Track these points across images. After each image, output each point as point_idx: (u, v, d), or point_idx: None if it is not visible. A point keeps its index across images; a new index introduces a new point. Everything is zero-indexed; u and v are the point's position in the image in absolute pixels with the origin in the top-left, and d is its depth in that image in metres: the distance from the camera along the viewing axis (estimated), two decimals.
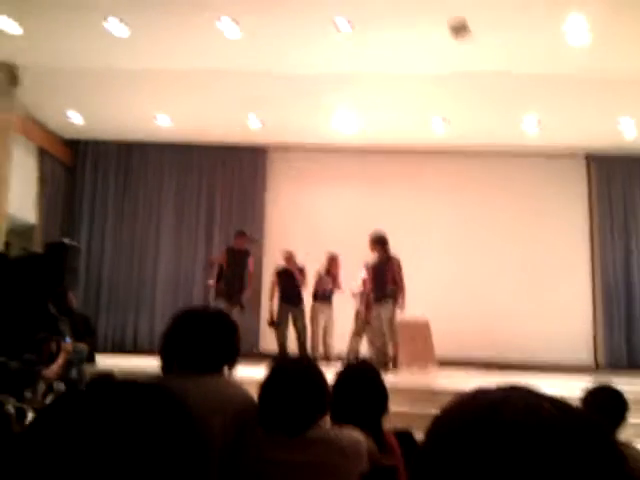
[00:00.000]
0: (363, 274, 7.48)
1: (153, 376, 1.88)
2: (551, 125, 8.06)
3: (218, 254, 6.91)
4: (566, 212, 9.13)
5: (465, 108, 7.75)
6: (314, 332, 7.68)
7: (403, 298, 7.03)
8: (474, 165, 9.12)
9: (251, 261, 7.47)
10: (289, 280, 7.66)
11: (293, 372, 1.80)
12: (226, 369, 1.91)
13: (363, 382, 2.22)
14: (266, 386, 1.78)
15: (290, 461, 1.72)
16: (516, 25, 5.80)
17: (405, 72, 6.89)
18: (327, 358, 7.31)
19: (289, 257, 7.72)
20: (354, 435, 1.85)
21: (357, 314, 7.70)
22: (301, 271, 7.70)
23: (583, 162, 9.24)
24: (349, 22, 5.86)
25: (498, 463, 0.54)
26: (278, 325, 7.59)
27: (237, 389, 1.85)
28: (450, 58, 6.47)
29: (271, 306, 7.67)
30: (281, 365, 1.86)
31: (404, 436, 2.32)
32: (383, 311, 7.05)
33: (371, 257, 7.24)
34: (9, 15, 5.87)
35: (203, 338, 1.88)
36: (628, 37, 5.89)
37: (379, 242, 7.16)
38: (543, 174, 9.15)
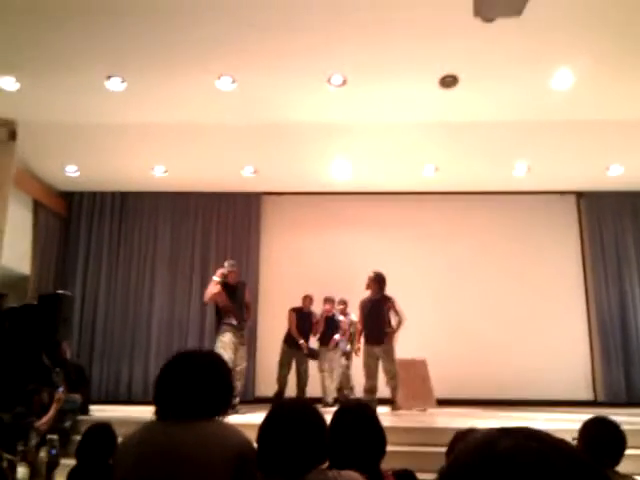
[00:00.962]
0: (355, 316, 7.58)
1: (148, 423, 1.87)
2: (540, 169, 8.25)
3: (213, 292, 6.81)
4: (559, 249, 9.19)
5: (455, 155, 7.93)
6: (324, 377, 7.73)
7: (398, 328, 7.06)
8: (466, 206, 9.23)
9: (247, 291, 7.40)
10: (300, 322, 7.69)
11: (292, 415, 1.78)
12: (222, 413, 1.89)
13: (360, 424, 2.21)
14: (265, 429, 1.76)
15: None
16: (503, 75, 6.01)
17: (396, 121, 7.05)
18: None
19: (309, 300, 7.82)
20: (353, 477, 1.83)
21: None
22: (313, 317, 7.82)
23: (573, 200, 9.36)
24: (342, 75, 6.03)
25: None
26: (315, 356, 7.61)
27: (235, 433, 1.83)
28: (439, 108, 6.66)
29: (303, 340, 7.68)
30: (280, 407, 1.85)
31: (405, 476, 2.29)
32: (383, 352, 7.03)
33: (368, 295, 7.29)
34: (7, 72, 6.00)
35: (197, 382, 1.87)
36: (611, 85, 6.12)
37: (377, 280, 7.20)
38: (535, 213, 9.26)
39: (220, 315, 6.86)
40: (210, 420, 1.83)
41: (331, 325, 7.83)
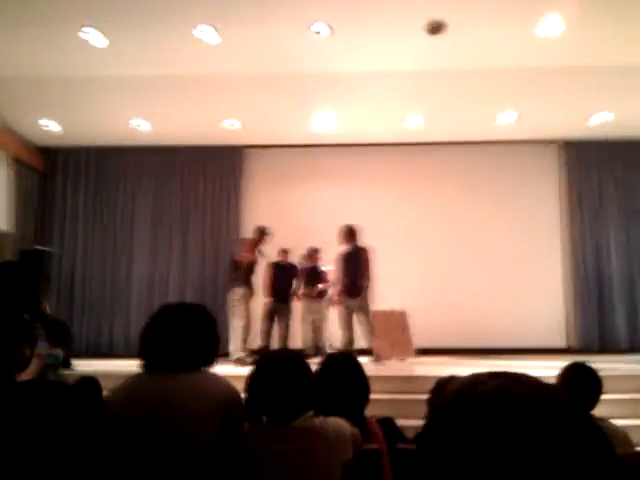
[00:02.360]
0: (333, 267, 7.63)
1: (135, 375, 1.88)
2: (526, 117, 8.18)
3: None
4: (540, 198, 9.26)
5: (441, 104, 7.83)
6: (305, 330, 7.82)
7: (367, 287, 7.15)
8: (450, 156, 9.20)
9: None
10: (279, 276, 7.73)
11: (279, 364, 1.81)
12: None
13: (345, 372, 2.25)
14: (253, 378, 1.79)
15: (276, 451, 1.74)
16: (490, 22, 5.91)
17: (381, 70, 6.94)
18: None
19: (286, 253, 7.87)
20: (339, 423, 1.87)
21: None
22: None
23: (556, 149, 9.38)
24: (327, 23, 5.90)
25: (485, 441, 0.63)
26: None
27: (221, 382, 1.85)
28: (426, 56, 6.56)
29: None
30: (267, 357, 1.87)
31: (385, 422, 2.36)
32: (358, 304, 7.12)
33: (342, 249, 7.37)
34: None
35: (182, 334, 1.87)
36: (598, 30, 6.04)
37: (347, 233, 7.29)
38: (517, 160, 9.26)
39: None
40: (196, 371, 1.84)
41: (312, 276, 7.89)
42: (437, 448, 0.68)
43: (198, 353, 1.88)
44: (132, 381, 1.85)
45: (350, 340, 7.19)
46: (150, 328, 1.91)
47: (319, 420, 1.85)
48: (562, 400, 0.67)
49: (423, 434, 0.71)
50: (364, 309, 7.19)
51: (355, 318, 7.28)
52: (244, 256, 7.41)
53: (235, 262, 7.47)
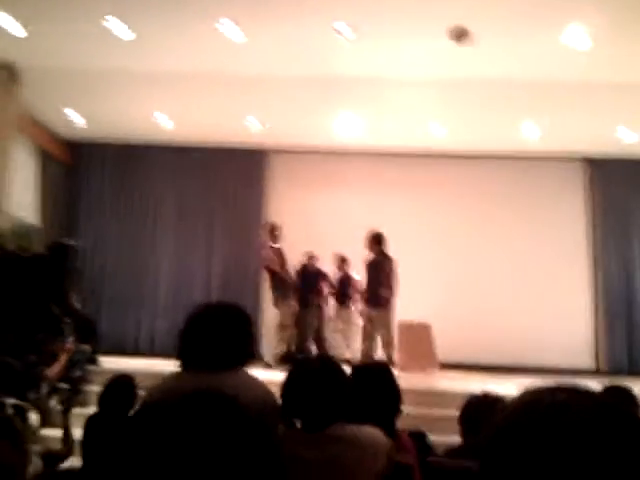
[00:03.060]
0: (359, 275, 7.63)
1: (174, 373, 1.88)
2: (550, 130, 8.08)
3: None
4: (566, 215, 9.15)
5: (465, 114, 7.76)
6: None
7: (390, 298, 7.06)
8: (475, 168, 9.14)
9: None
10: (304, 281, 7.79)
11: (318, 369, 1.81)
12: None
13: (378, 382, 2.24)
14: (290, 381, 1.79)
15: (310, 458, 1.73)
16: (516, 32, 5.84)
17: (406, 77, 6.89)
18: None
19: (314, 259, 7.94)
20: (373, 433, 1.86)
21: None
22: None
23: (582, 165, 9.27)
24: (352, 27, 5.86)
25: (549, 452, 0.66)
26: None
27: (258, 385, 1.85)
28: (451, 64, 6.50)
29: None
30: (304, 363, 1.87)
31: (417, 436, 2.33)
32: (378, 315, 7.08)
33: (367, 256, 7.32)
34: (11, 14, 5.84)
35: (222, 333, 1.88)
36: (626, 45, 5.93)
37: (374, 240, 7.21)
38: (543, 177, 9.18)
39: None
40: (234, 370, 1.85)
41: (346, 284, 7.91)
42: (505, 463, 0.68)
43: (237, 353, 1.89)
44: (171, 380, 1.86)
45: (368, 350, 7.12)
46: (192, 327, 1.92)
47: (353, 428, 1.83)
48: (625, 413, 0.70)
49: (487, 450, 0.72)
50: (384, 321, 7.10)
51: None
52: (272, 261, 7.47)
53: (268, 269, 7.55)
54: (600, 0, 5.28)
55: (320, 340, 7.73)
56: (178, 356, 1.89)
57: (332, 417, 1.76)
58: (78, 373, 5.43)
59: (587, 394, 0.73)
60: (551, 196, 9.15)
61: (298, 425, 1.79)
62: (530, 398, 0.74)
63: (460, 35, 5.86)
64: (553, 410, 0.69)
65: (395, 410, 2.26)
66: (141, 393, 3.20)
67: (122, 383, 3.19)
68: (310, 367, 1.83)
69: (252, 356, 1.97)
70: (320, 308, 7.84)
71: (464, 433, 2.45)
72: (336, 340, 7.88)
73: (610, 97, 7.05)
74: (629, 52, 6.06)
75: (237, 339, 1.89)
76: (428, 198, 9.18)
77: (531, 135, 8.19)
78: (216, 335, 1.85)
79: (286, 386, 1.79)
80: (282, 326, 7.56)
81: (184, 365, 1.88)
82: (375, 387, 2.21)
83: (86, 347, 5.83)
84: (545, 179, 9.18)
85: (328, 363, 1.87)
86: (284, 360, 7.17)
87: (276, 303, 7.58)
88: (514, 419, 0.72)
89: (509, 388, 5.66)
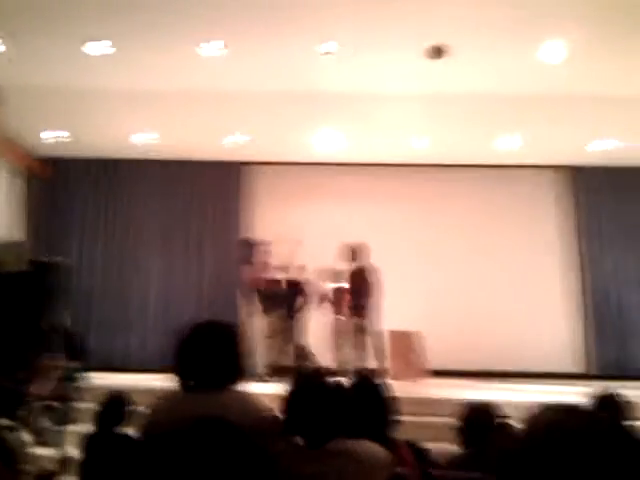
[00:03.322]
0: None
1: (169, 394, 1.89)
2: (530, 141, 8.21)
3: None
4: (552, 221, 9.28)
5: (445, 127, 7.88)
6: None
7: (368, 307, 7.21)
8: (455, 178, 9.22)
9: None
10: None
11: (321, 386, 1.82)
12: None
13: (374, 394, 2.25)
14: (292, 400, 1.79)
15: (311, 473, 1.74)
16: (495, 47, 5.96)
17: (387, 93, 6.99)
18: None
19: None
20: (372, 447, 1.87)
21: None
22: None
23: (565, 174, 9.42)
24: (333, 43, 5.94)
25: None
26: None
27: (252, 403, 1.86)
28: (432, 79, 6.62)
29: None
30: (308, 377, 1.88)
31: (416, 447, 2.35)
32: (359, 324, 7.19)
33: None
34: None
35: (216, 352, 1.89)
36: (604, 59, 6.09)
37: (349, 252, 7.44)
38: (525, 185, 9.32)
39: None
40: (227, 388, 1.85)
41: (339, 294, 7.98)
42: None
43: (229, 370, 1.90)
44: (170, 402, 1.86)
45: (358, 360, 7.18)
46: (184, 347, 1.92)
47: (353, 443, 1.84)
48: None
49: (514, 468, 0.77)
50: (365, 329, 7.20)
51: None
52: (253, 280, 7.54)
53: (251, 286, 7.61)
54: (578, 15, 5.39)
55: (300, 349, 7.76)
56: (175, 374, 1.89)
57: (333, 432, 1.77)
58: (68, 390, 5.38)
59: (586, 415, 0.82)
60: (534, 204, 9.29)
61: (298, 440, 1.80)
62: (543, 425, 0.80)
63: (436, 53, 5.99)
64: (572, 436, 0.77)
65: (392, 421, 2.27)
66: (134, 409, 3.19)
67: (117, 401, 3.18)
68: (312, 384, 1.84)
69: (244, 373, 1.97)
70: (302, 318, 7.86)
71: (465, 443, 2.47)
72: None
73: (588, 109, 7.21)
74: (606, 66, 6.23)
75: (228, 357, 1.90)
76: (412, 208, 9.24)
77: (511, 146, 8.30)
78: (208, 354, 1.86)
79: (288, 404, 1.80)
80: (269, 336, 7.61)
81: (180, 383, 1.88)
82: (371, 399, 2.22)
83: (76, 364, 5.78)
84: (528, 187, 9.32)
85: (326, 379, 1.88)
86: (275, 371, 7.21)
87: (263, 313, 7.64)
88: (539, 443, 0.78)
89: (503, 395, 5.70)
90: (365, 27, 5.66)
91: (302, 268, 7.95)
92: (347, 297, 7.58)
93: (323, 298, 7.96)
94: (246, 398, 1.89)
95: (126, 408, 3.17)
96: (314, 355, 7.75)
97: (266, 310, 7.63)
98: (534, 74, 6.41)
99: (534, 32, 5.67)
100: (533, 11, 5.30)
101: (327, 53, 6.03)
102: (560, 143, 8.37)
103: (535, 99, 7.03)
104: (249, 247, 7.82)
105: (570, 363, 8.76)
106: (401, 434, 2.68)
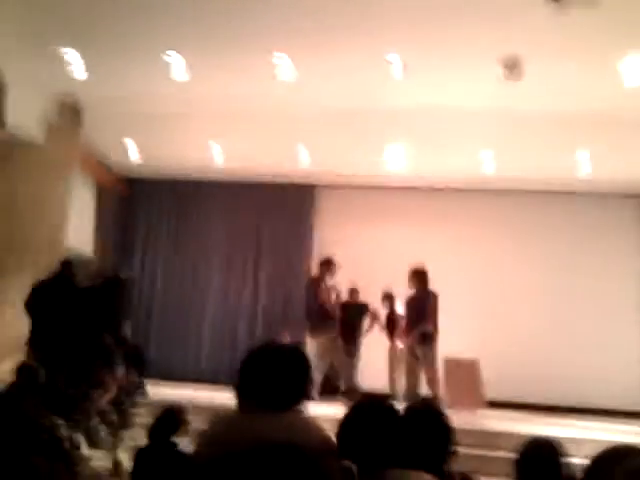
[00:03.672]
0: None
1: (229, 412, 1.92)
2: (603, 164, 7.90)
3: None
4: (617, 251, 8.90)
5: (515, 145, 7.67)
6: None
7: (434, 334, 7.04)
8: (523, 203, 9.02)
9: None
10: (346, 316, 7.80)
11: (374, 413, 1.81)
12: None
13: (431, 423, 2.20)
14: (346, 426, 1.79)
15: None
16: (568, 64, 5.82)
17: (457, 109, 6.92)
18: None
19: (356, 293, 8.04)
20: (425, 478, 1.83)
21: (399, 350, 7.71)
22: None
23: (636, 201, 9.05)
24: (402, 59, 5.93)
25: None
26: None
27: (314, 426, 1.86)
28: (501, 96, 6.50)
29: None
30: (362, 406, 1.87)
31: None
32: (423, 351, 7.02)
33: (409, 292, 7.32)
34: (77, 52, 6.18)
35: (281, 375, 1.90)
36: None
37: (414, 277, 7.22)
38: (594, 211, 8.97)
39: None
40: (290, 410, 1.86)
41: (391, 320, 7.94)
42: None
43: (294, 393, 1.91)
44: (231, 423, 1.88)
45: (412, 387, 7.07)
46: (251, 366, 1.94)
47: (407, 474, 1.81)
48: None
49: None
50: (428, 357, 7.04)
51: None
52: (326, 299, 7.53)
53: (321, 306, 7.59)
54: None
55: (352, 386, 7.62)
56: (236, 392, 1.92)
57: (389, 461, 1.76)
58: (126, 402, 5.54)
59: None
60: (603, 231, 8.92)
61: (352, 466, 1.78)
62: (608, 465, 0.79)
63: (512, 65, 5.83)
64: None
65: (448, 452, 2.22)
66: (189, 422, 3.25)
67: (172, 415, 3.23)
68: (370, 409, 1.84)
69: (308, 395, 1.99)
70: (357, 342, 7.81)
71: (519, 478, 2.39)
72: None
73: None
74: None
75: (295, 378, 1.92)
76: (476, 232, 9.03)
77: (583, 169, 7.98)
78: (275, 375, 1.88)
79: (344, 427, 1.79)
80: (319, 356, 7.53)
81: (241, 401, 1.91)
82: (432, 429, 2.17)
83: (135, 378, 5.95)
84: (596, 214, 8.96)
85: (385, 406, 1.87)
86: (324, 391, 7.32)
87: (318, 333, 7.59)
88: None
89: (565, 431, 5.46)
90: (436, 41, 5.68)
91: (362, 291, 7.94)
92: (404, 322, 7.48)
93: (383, 322, 7.92)
94: (309, 420, 1.90)
95: (181, 420, 3.23)
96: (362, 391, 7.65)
97: (323, 329, 7.57)
98: (610, 92, 6.15)
99: (611, 49, 5.45)
100: (614, 26, 5.12)
101: (391, 65, 6.00)
102: (636, 168, 7.95)
103: (612, 119, 6.80)
104: (328, 266, 7.79)
105: (636, 399, 8.30)
106: (455, 466, 2.62)
